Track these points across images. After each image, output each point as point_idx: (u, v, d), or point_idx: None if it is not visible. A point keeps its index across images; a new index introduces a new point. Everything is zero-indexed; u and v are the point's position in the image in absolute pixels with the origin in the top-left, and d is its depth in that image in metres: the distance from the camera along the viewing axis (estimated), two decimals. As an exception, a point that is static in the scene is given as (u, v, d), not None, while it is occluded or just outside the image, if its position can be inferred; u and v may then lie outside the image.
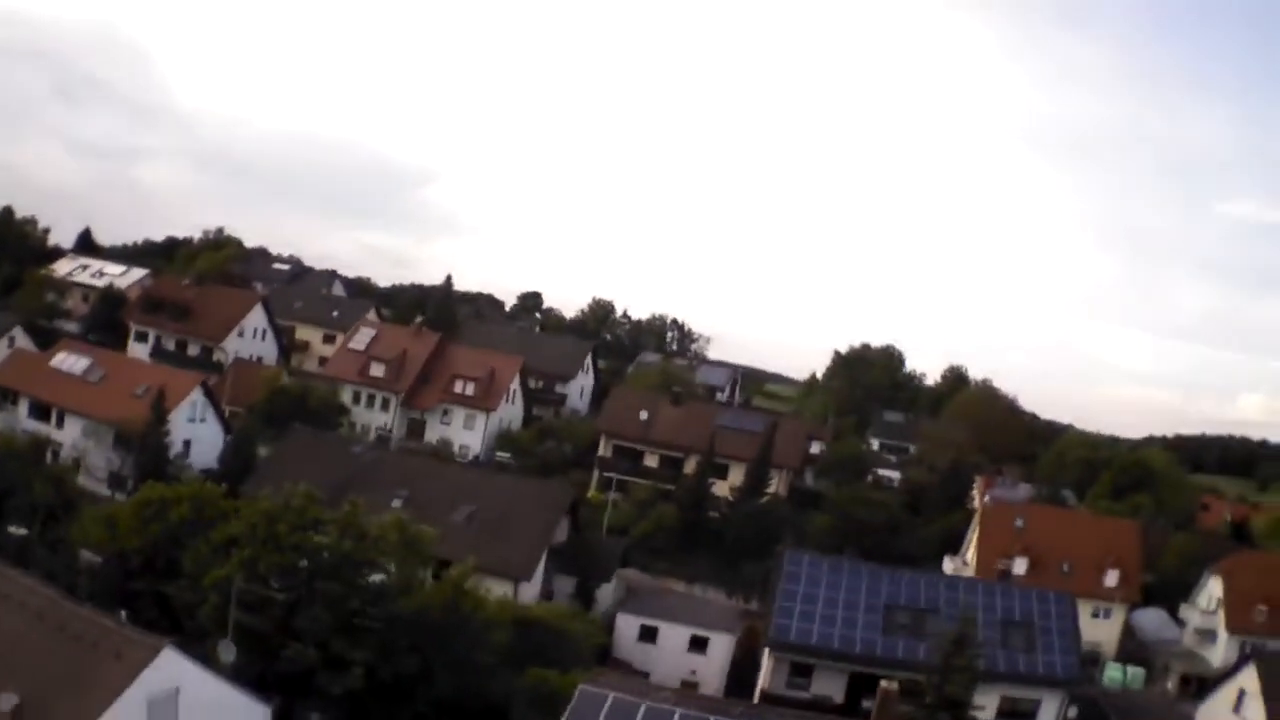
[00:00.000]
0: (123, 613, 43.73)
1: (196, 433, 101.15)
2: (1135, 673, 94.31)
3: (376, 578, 51.97)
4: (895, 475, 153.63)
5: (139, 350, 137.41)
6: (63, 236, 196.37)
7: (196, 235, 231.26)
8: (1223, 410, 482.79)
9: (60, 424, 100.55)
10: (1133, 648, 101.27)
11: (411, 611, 50.42)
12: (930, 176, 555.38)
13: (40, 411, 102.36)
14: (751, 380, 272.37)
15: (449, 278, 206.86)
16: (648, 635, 79.16)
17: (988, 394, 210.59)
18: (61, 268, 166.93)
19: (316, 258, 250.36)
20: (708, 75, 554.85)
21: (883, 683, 41.61)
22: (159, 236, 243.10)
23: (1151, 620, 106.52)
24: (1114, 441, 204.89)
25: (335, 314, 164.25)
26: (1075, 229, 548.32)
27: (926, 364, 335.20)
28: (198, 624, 50.08)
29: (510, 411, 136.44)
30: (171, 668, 38.95)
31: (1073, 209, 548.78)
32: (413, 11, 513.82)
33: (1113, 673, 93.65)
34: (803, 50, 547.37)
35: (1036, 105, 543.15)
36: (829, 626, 70.94)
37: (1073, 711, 71.03)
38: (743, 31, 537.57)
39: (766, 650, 70.96)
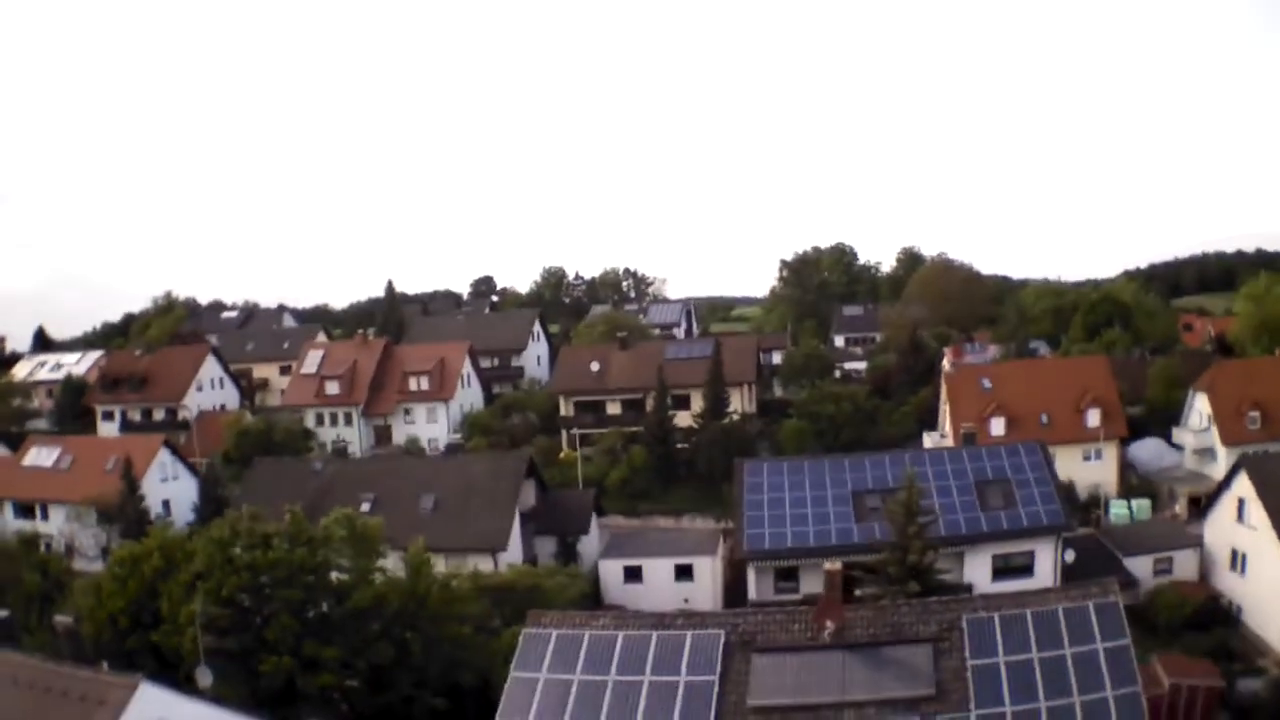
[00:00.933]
0: (104, 663, 45.91)
1: (172, 491, 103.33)
2: (1141, 505, 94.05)
3: (336, 576, 54.41)
4: (863, 366, 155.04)
5: (108, 429, 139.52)
6: (20, 342, 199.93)
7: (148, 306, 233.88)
8: (1197, 232, 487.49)
9: (45, 517, 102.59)
10: (1137, 482, 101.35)
11: (370, 601, 52.75)
12: (846, 64, 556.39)
13: (24, 510, 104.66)
14: (719, 308, 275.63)
15: (390, 283, 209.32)
16: (633, 575, 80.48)
17: (943, 266, 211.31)
18: (21, 370, 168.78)
19: (276, 297, 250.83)
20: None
21: (825, 564, 43.10)
22: (116, 316, 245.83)
23: (1149, 450, 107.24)
24: (1084, 286, 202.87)
25: (286, 345, 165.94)
26: (1004, 78, 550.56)
27: (882, 254, 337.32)
28: (185, 662, 52.43)
29: (468, 395, 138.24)
30: (154, 701, 40.87)
31: (996, 56, 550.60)
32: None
33: (1118, 509, 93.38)
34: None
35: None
36: (801, 525, 72.36)
37: (1070, 555, 71.18)
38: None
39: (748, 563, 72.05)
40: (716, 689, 36.56)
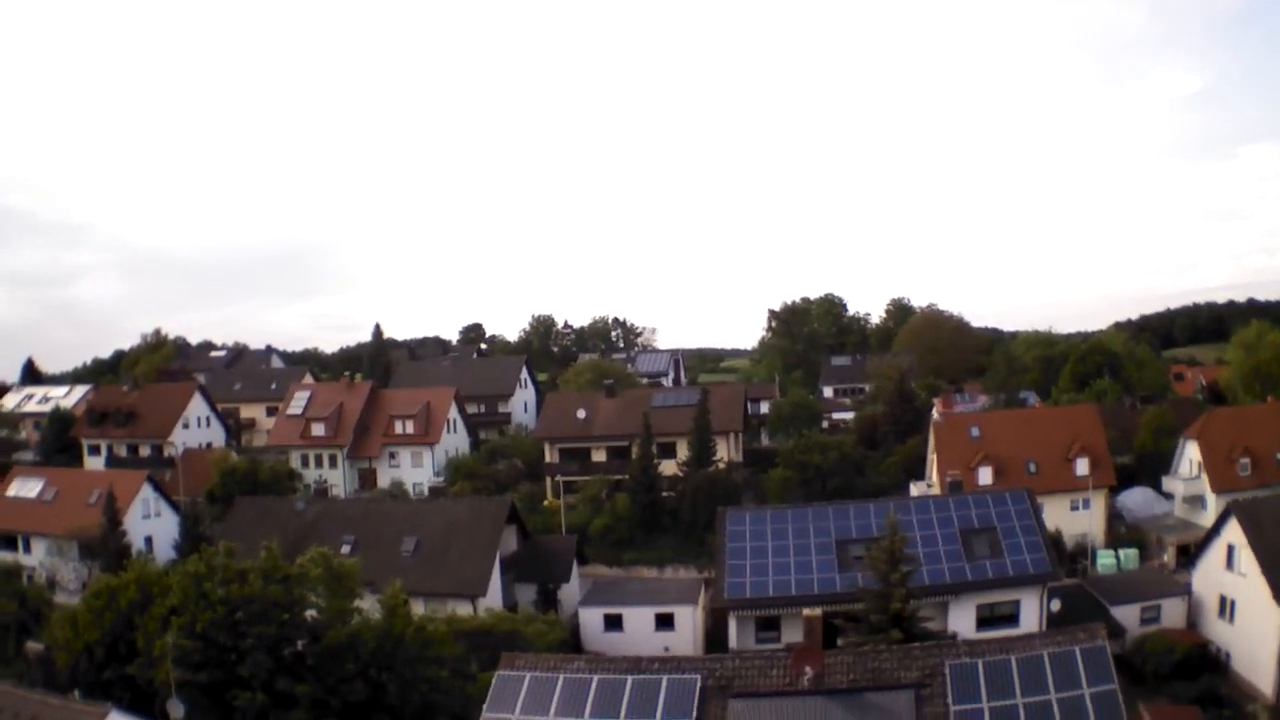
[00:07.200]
0: (76, 692, 46.05)
1: (154, 528, 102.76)
2: (1128, 554, 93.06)
3: (310, 613, 54.27)
4: (850, 416, 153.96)
5: (95, 463, 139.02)
6: (8, 373, 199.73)
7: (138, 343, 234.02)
8: (1187, 282, 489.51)
9: (28, 549, 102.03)
10: (1125, 531, 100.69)
11: (344, 640, 52.53)
12: (838, 117, 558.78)
13: (5, 541, 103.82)
14: (708, 360, 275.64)
15: (378, 326, 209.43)
16: (613, 623, 79.58)
17: (933, 317, 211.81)
18: (8, 402, 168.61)
19: (265, 339, 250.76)
20: (621, 66, 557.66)
21: (805, 611, 42.90)
22: (106, 352, 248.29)
23: (1138, 499, 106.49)
24: (1075, 338, 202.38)
25: (273, 386, 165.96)
26: (997, 135, 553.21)
27: (872, 305, 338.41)
28: (159, 695, 52.20)
29: (454, 440, 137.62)
30: (122, 731, 41.50)
31: (988, 112, 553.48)
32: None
33: (1105, 559, 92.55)
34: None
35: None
36: (783, 574, 71.72)
37: (1056, 604, 70.28)
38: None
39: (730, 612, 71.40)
40: (692, 734, 36.11)
